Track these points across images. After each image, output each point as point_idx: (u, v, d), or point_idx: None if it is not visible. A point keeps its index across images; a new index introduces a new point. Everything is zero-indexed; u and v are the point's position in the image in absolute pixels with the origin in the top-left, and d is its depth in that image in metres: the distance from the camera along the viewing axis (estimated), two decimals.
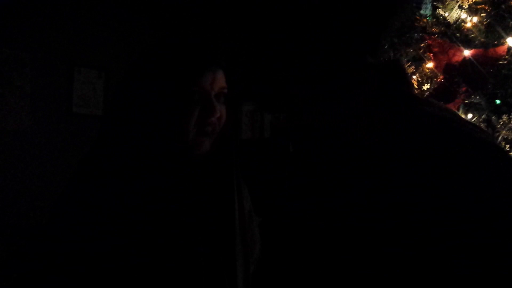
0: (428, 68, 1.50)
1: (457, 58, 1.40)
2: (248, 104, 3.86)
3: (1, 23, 2.72)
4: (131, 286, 0.90)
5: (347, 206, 0.50)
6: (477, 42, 1.44)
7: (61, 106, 3.03)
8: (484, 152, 0.50)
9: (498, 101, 1.41)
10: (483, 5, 1.41)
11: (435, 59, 1.45)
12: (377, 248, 0.48)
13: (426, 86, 1.49)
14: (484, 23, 1.43)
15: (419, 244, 0.46)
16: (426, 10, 1.53)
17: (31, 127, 2.85)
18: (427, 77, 1.49)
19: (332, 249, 0.51)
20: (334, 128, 0.55)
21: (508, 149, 1.36)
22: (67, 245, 0.90)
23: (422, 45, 1.48)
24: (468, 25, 1.43)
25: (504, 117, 1.37)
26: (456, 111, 1.44)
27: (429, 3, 1.54)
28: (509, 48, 1.41)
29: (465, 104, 1.39)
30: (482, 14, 1.44)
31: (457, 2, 1.45)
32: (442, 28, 1.46)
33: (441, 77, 1.45)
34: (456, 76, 1.39)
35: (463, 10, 1.46)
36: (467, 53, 1.42)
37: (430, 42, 1.46)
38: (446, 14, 1.47)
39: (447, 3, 1.47)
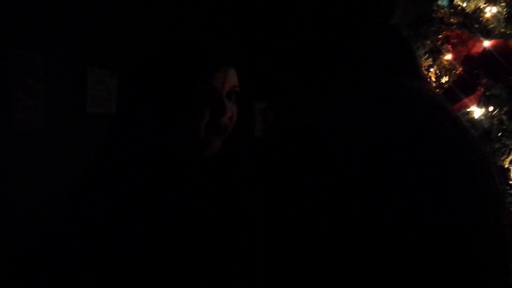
0: (447, 60, 1.46)
1: (477, 49, 1.36)
2: (261, 102, 3.85)
3: (14, 24, 2.74)
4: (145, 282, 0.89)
5: (347, 207, 0.49)
6: (496, 32, 1.40)
7: (75, 106, 3.04)
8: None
9: None
10: None
11: (454, 51, 1.42)
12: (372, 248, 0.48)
13: (444, 79, 1.45)
14: (504, 13, 1.39)
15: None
16: (443, 1, 1.49)
17: (45, 127, 2.87)
18: (445, 69, 1.46)
19: (327, 248, 0.50)
20: (334, 128, 0.53)
21: None
22: (72, 245, 0.89)
23: (440, 36, 1.45)
24: (488, 15, 1.39)
25: None
26: (475, 103, 1.41)
27: None
28: None
29: (486, 97, 1.35)
30: (501, 4, 1.40)
31: None
32: (460, 19, 1.42)
33: (460, 69, 1.42)
34: (476, 68, 1.36)
35: (481, 0, 1.42)
36: (487, 44, 1.39)
37: (448, 33, 1.43)
38: (464, 4, 1.43)
39: None
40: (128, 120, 0.98)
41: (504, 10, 1.38)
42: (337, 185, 0.49)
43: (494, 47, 1.35)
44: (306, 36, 0.64)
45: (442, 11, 1.45)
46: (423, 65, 1.49)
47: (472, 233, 0.48)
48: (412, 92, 0.55)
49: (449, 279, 0.46)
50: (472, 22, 1.40)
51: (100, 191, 0.91)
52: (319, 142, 0.52)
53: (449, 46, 1.44)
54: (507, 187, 1.37)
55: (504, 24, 1.39)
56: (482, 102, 1.37)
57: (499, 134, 1.31)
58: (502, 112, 1.35)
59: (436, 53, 1.49)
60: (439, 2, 1.49)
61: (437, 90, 1.49)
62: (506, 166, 1.35)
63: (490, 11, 1.39)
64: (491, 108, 1.36)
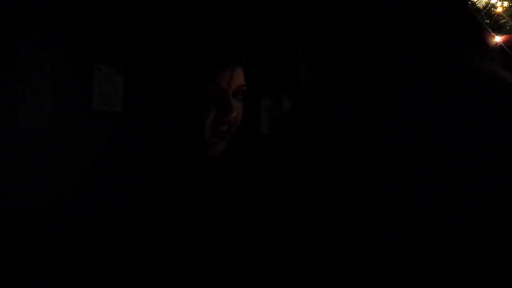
0: None
1: None
2: (267, 99, 3.83)
3: (21, 21, 2.74)
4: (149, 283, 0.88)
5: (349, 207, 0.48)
6: (508, 27, 1.37)
7: (81, 104, 3.04)
8: None
9: None
10: None
11: None
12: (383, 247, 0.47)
13: None
14: None
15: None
16: None
17: (52, 125, 2.87)
18: None
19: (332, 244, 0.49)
20: (335, 128, 0.53)
21: None
22: (76, 244, 0.88)
23: None
24: (499, 10, 1.36)
25: None
26: None
27: None
28: None
29: None
30: None
31: None
32: None
33: None
34: None
35: None
36: (498, 39, 1.36)
37: None
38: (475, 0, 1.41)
39: None
40: (133, 119, 0.97)
41: None
42: (338, 184, 0.48)
43: (505, 42, 1.33)
44: (307, 36, 0.63)
45: None
46: None
47: None
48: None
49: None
50: (483, 17, 1.38)
51: (105, 190, 0.90)
52: (321, 142, 0.51)
53: None
54: None
55: None
56: None
57: None
58: None
59: None
60: None
61: None
62: None
63: (502, 5, 1.36)
64: None
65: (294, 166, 0.52)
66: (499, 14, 1.37)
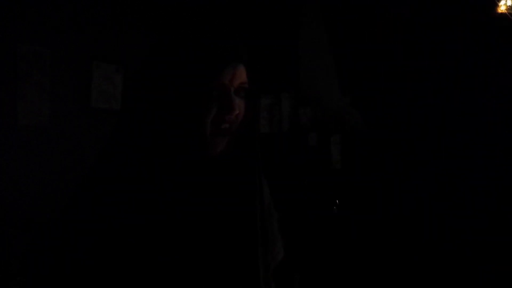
0: None
1: None
2: (267, 98, 3.82)
3: (20, 18, 2.72)
4: (150, 283, 0.87)
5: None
6: None
7: (80, 101, 3.03)
8: None
9: None
10: None
11: None
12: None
13: None
14: None
15: None
16: None
17: (51, 122, 2.85)
18: None
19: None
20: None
21: None
22: (75, 243, 0.88)
23: None
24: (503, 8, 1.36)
25: None
26: None
27: None
28: None
29: None
30: None
31: None
32: None
33: None
34: None
35: None
36: None
37: None
38: None
39: None
40: (134, 116, 0.97)
41: None
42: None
43: None
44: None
45: None
46: None
47: None
48: None
49: None
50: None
51: (105, 188, 0.90)
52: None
53: None
54: None
55: None
56: None
57: None
58: None
59: None
60: None
61: None
62: None
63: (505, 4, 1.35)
64: None
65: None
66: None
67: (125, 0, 3.24)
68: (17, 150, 2.71)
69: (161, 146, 0.93)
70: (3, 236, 2.51)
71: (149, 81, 0.95)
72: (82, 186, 0.96)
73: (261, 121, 3.80)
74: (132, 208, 0.88)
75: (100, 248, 0.87)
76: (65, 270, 0.88)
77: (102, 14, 3.13)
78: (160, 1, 3.35)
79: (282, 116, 3.83)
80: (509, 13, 1.34)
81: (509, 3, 1.37)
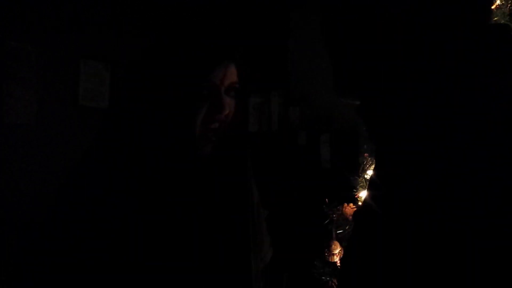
0: None
1: None
2: (256, 97, 3.82)
3: (6, 15, 2.68)
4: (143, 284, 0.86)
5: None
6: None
7: (67, 98, 2.99)
8: None
9: None
10: None
11: None
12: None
13: None
14: (509, 6, 1.37)
15: None
16: None
17: (37, 120, 2.82)
18: None
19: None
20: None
21: None
22: (63, 243, 0.87)
23: None
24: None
25: None
26: None
27: None
28: None
29: None
30: None
31: None
32: None
33: None
34: None
35: None
36: None
37: None
38: None
39: None
40: (124, 114, 0.96)
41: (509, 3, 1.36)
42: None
43: None
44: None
45: None
46: None
47: None
48: None
49: None
50: None
51: (92, 186, 0.89)
52: None
53: None
54: None
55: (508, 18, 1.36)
56: None
57: None
58: None
59: None
60: None
61: None
62: None
63: (494, 2, 1.36)
64: None
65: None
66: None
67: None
68: (3, 149, 2.67)
69: (150, 146, 0.93)
70: None
71: (140, 80, 0.95)
72: (69, 184, 0.95)
73: (250, 119, 3.80)
74: (119, 206, 0.87)
75: (88, 247, 0.86)
76: (51, 270, 0.87)
77: (90, 11, 3.09)
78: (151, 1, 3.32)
79: (271, 115, 3.83)
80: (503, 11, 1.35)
81: (498, 1, 1.38)
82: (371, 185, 0.64)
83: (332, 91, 0.73)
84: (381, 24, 0.62)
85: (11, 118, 2.69)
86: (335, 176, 2.40)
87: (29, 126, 2.78)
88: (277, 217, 2.39)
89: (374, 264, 0.52)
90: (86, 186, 0.91)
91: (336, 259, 1.89)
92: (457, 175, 0.49)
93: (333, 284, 1.88)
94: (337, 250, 1.89)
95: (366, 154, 1.81)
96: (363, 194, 1.78)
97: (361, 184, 1.78)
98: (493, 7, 1.34)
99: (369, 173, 1.78)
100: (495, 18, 1.35)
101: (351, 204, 1.87)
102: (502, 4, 1.36)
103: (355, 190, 1.82)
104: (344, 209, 1.88)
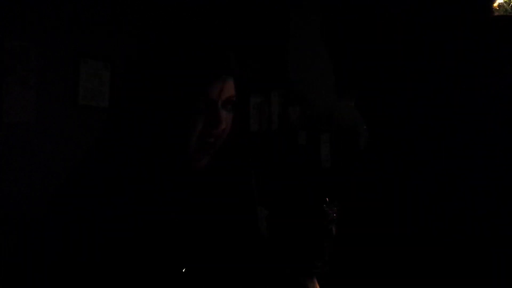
0: None
1: None
2: (256, 97, 3.81)
3: (5, 13, 2.67)
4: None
5: None
6: None
7: (67, 98, 2.98)
8: None
9: None
10: None
11: None
12: None
13: None
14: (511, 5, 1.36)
15: None
16: None
17: (36, 119, 2.81)
18: None
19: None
20: None
21: None
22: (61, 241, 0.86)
23: None
24: (494, 4, 1.36)
25: None
26: None
27: None
28: None
29: None
30: None
31: None
32: None
33: None
34: None
35: None
36: None
37: None
38: None
39: None
40: (119, 126, 0.95)
41: None
42: None
43: None
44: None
45: None
46: None
47: None
48: None
49: None
50: None
51: (90, 188, 0.88)
52: None
53: None
54: None
55: None
56: None
57: None
58: None
59: None
60: None
61: None
62: None
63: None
64: None
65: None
66: (494, 8, 1.36)
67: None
68: (2, 148, 2.66)
69: (144, 158, 0.92)
70: None
71: (136, 89, 0.93)
72: (68, 185, 0.95)
73: (250, 119, 3.79)
74: (120, 208, 0.87)
75: (85, 248, 0.85)
76: (50, 268, 0.87)
77: (89, 10, 3.09)
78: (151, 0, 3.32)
79: (271, 115, 3.82)
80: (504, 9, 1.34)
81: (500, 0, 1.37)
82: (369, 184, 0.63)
83: (332, 91, 0.72)
84: (381, 24, 0.61)
85: (10, 117, 2.68)
86: (335, 176, 2.40)
87: (29, 125, 2.77)
88: (277, 217, 2.38)
89: None
90: (85, 186, 0.91)
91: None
92: (456, 174, 0.48)
93: None
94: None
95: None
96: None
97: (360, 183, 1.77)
98: (495, 4, 1.34)
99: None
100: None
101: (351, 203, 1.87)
102: (505, 2, 1.35)
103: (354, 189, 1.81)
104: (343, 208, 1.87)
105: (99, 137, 0.98)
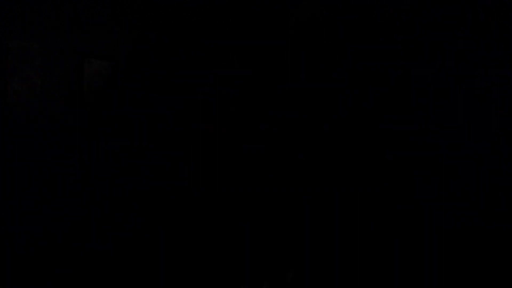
0: None
1: None
2: None
3: (10, 13, 2.69)
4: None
5: None
6: None
7: (71, 98, 2.99)
8: None
9: None
10: None
11: None
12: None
13: None
14: None
15: None
16: None
17: (42, 119, 2.82)
18: None
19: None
20: None
21: None
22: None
23: None
24: None
25: None
26: None
27: None
28: None
29: None
30: None
31: None
32: None
33: None
34: None
35: None
36: None
37: None
38: None
39: None
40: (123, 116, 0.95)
41: None
42: None
43: None
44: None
45: None
46: None
47: None
48: None
49: None
50: None
51: (93, 186, 0.88)
52: None
53: None
54: None
55: None
56: None
57: None
58: None
59: None
60: None
61: None
62: None
63: None
64: None
65: None
66: None
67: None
68: (7, 147, 2.67)
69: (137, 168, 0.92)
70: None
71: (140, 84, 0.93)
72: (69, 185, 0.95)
73: None
74: (120, 208, 0.87)
75: (85, 248, 0.86)
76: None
77: (94, 9, 3.10)
78: (155, 1, 3.32)
79: None
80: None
81: None
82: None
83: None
84: (381, 24, 0.61)
85: (15, 116, 2.70)
86: None
87: (33, 125, 2.78)
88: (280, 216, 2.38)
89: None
90: (86, 187, 0.91)
91: None
92: (456, 174, 0.49)
93: None
94: None
95: None
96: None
97: None
98: None
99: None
100: None
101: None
102: None
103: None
104: None
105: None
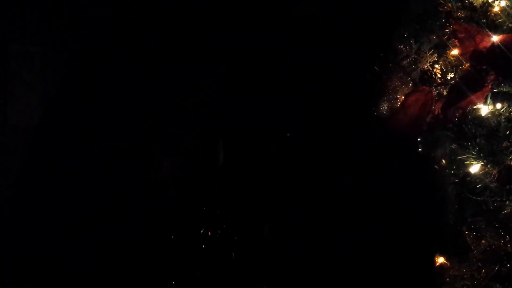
0: (453, 56, 1.43)
1: (485, 44, 1.32)
2: None
3: (10, 17, 2.68)
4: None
5: None
6: (505, 27, 1.36)
7: (71, 101, 2.99)
8: None
9: None
10: None
11: (461, 46, 1.38)
12: None
13: (450, 75, 1.42)
14: None
15: None
16: None
17: (41, 123, 2.82)
18: (451, 65, 1.43)
19: None
20: None
21: None
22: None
23: (447, 31, 1.41)
24: (496, 9, 1.35)
25: None
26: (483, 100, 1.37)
27: None
28: None
29: (494, 93, 1.31)
30: None
31: None
32: (468, 13, 1.39)
33: (467, 64, 1.38)
34: (484, 64, 1.32)
35: None
36: (495, 39, 1.35)
37: (455, 27, 1.39)
38: None
39: None
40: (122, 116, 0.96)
41: None
42: None
43: (502, 42, 1.31)
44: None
45: (449, 4, 1.41)
46: (428, 60, 1.45)
47: None
48: None
49: None
50: (480, 17, 1.37)
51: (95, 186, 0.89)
52: None
53: (456, 41, 1.41)
54: None
55: None
56: (490, 99, 1.33)
57: (507, 132, 1.28)
58: (510, 109, 1.31)
59: (442, 48, 1.46)
60: None
61: (442, 87, 1.46)
62: None
63: (499, 4, 1.35)
64: (498, 106, 1.32)
65: None
66: (496, 14, 1.36)
67: (121, 0, 3.20)
68: (7, 151, 2.67)
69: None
70: None
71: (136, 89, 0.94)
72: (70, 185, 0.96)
73: None
74: (120, 208, 0.88)
75: (84, 248, 0.86)
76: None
77: (95, 13, 3.09)
78: (156, 3, 3.31)
79: None
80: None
81: (502, 4, 1.37)
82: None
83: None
84: (381, 24, 0.62)
85: (15, 121, 2.70)
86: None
87: (33, 129, 2.78)
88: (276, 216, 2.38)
89: None
90: (88, 187, 0.92)
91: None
92: None
93: None
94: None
95: None
96: None
97: None
98: (497, 9, 1.33)
99: None
100: (500, 20, 1.34)
101: None
102: (507, 6, 1.35)
103: None
104: None
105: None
